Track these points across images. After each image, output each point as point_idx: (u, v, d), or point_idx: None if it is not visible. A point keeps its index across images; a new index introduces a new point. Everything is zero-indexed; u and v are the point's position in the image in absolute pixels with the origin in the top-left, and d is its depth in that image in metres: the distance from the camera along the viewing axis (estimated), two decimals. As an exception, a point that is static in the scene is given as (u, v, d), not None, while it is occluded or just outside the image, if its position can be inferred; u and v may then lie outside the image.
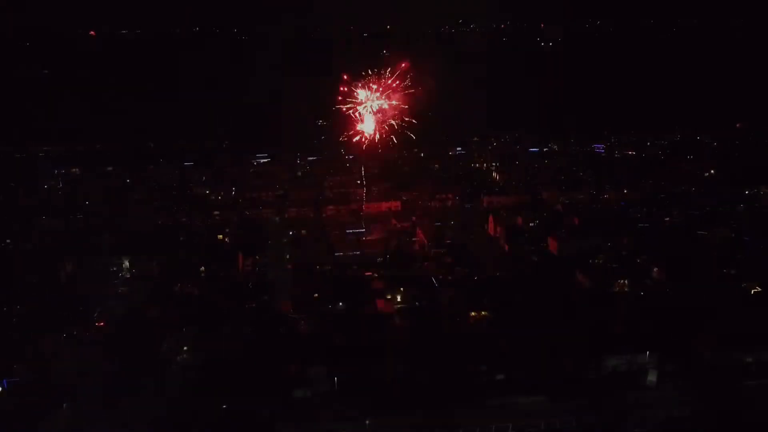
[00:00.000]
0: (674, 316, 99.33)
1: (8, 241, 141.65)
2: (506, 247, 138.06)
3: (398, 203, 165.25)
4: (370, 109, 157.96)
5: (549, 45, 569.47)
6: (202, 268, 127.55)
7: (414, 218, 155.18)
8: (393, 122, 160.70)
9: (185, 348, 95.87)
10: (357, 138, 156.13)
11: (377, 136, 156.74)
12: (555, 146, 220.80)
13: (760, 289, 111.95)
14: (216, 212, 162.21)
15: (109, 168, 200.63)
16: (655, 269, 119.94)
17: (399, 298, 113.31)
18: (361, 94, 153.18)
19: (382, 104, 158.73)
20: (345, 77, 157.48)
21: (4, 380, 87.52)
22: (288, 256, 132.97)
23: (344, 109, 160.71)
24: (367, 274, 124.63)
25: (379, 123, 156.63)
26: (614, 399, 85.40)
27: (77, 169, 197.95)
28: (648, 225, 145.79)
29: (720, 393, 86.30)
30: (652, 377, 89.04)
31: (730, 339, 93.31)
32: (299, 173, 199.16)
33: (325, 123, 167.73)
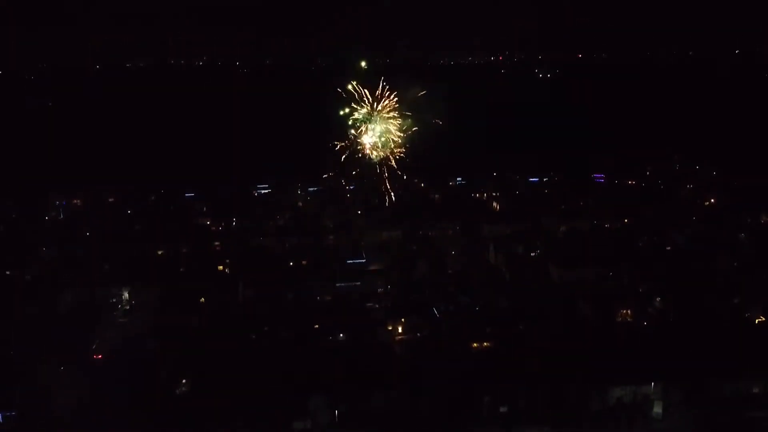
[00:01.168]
0: (678, 346, 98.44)
1: (8, 272, 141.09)
2: (508, 277, 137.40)
3: (399, 233, 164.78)
4: (371, 139, 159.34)
5: (547, 76, 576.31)
6: (202, 299, 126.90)
7: (415, 248, 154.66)
8: (394, 152, 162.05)
9: (184, 380, 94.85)
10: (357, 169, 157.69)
11: (378, 165, 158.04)
12: (555, 175, 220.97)
13: (764, 319, 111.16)
14: (216, 242, 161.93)
15: (111, 199, 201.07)
16: (658, 298, 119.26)
17: (400, 329, 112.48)
18: (362, 120, 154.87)
19: (382, 134, 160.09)
20: (346, 108, 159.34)
21: (0, 413, 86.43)
22: (288, 287, 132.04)
23: (345, 141, 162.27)
24: (367, 304, 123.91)
25: (379, 152, 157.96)
26: (619, 430, 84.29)
27: (78, 201, 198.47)
28: (649, 254, 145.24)
29: (725, 424, 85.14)
30: (657, 408, 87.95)
31: (735, 369, 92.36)
32: (300, 203, 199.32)
33: (328, 152, 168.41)
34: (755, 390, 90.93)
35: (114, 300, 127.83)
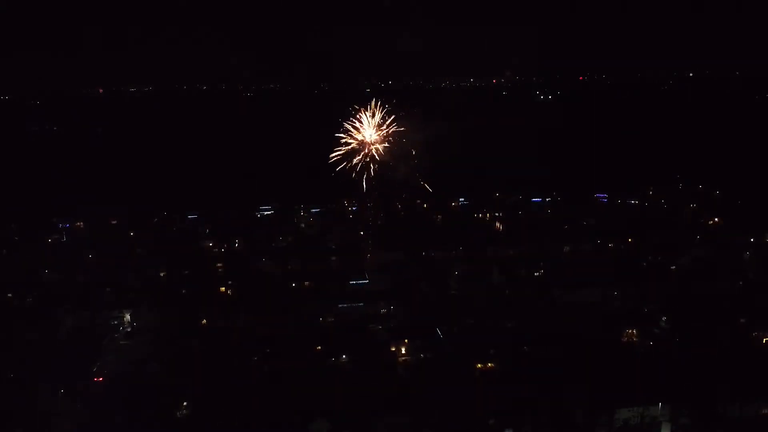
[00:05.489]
0: (685, 366, 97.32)
1: (10, 294, 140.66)
2: (512, 298, 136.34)
3: (401, 254, 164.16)
4: (372, 157, 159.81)
5: (548, 98, 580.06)
6: (204, 321, 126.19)
7: (418, 269, 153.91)
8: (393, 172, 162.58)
9: (185, 403, 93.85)
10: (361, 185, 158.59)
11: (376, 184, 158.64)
12: (558, 196, 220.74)
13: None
14: (219, 264, 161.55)
15: (113, 221, 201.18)
16: (663, 318, 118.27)
17: (403, 350, 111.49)
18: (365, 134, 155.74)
19: (381, 152, 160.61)
20: (348, 129, 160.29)
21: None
22: (291, 309, 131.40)
23: (348, 162, 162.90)
24: (370, 325, 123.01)
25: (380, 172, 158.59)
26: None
27: (81, 223, 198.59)
28: (654, 274, 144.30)
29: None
30: (665, 430, 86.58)
31: (743, 390, 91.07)
32: (302, 225, 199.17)
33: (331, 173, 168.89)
34: (764, 411, 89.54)
35: (115, 322, 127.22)
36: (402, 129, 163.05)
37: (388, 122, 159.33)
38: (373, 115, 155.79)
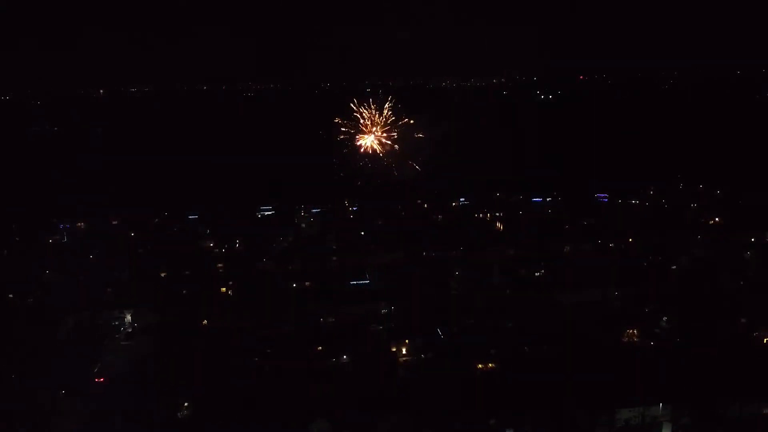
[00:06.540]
0: (686, 366, 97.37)
1: (11, 295, 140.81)
2: (512, 298, 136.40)
3: (402, 254, 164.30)
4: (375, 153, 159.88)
5: (548, 98, 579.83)
6: (205, 321, 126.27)
7: (418, 269, 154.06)
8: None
9: (186, 404, 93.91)
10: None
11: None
12: (558, 195, 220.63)
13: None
14: (219, 265, 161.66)
15: (114, 222, 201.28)
16: (664, 318, 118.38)
17: (403, 350, 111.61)
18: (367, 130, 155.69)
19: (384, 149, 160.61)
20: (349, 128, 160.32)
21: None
22: (291, 309, 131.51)
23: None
24: (371, 326, 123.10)
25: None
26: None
27: (82, 224, 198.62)
28: (655, 273, 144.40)
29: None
30: (666, 430, 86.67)
31: (743, 390, 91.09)
32: (303, 225, 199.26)
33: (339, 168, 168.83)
34: (765, 411, 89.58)
35: (116, 323, 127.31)
36: (404, 127, 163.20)
37: (391, 120, 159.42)
38: (379, 108, 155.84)
